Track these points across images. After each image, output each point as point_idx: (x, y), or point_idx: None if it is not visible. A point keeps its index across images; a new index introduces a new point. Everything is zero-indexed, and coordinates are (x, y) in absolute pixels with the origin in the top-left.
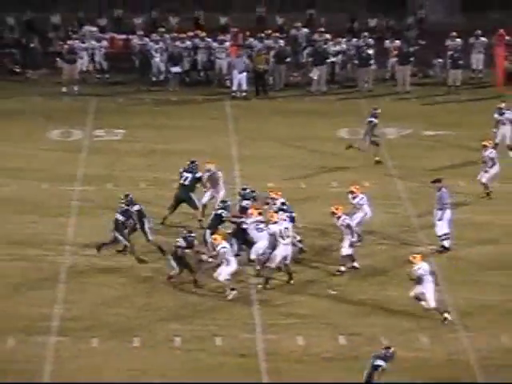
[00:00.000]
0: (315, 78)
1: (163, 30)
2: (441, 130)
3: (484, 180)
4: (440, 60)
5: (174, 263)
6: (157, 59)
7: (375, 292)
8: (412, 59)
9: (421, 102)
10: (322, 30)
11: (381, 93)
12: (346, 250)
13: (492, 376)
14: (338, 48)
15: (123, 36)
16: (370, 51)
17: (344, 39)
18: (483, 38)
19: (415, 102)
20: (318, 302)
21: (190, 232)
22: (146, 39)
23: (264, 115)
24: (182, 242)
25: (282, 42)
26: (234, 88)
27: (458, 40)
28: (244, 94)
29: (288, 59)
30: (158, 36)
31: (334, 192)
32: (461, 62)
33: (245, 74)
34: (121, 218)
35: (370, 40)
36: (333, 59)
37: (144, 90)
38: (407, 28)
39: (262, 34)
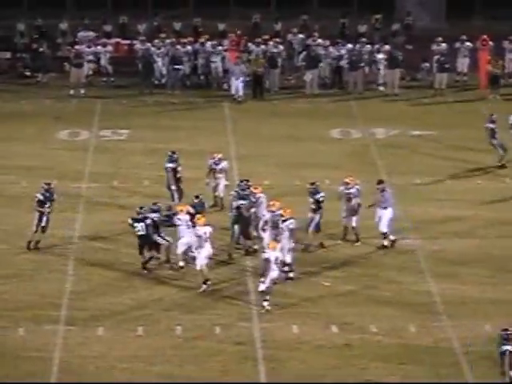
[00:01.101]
0: (308, 80)
1: (164, 35)
2: (428, 130)
3: None
4: (427, 64)
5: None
6: (159, 63)
7: (365, 283)
8: (400, 63)
9: (409, 103)
10: (316, 35)
11: (370, 95)
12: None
13: (474, 363)
14: (339, 53)
15: (127, 41)
16: (380, 55)
17: (339, 44)
18: (468, 43)
19: (403, 104)
20: (312, 292)
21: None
22: (149, 44)
23: (261, 116)
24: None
25: (281, 48)
26: (233, 92)
27: (444, 45)
28: (240, 99)
29: (279, 63)
30: (160, 41)
31: (325, 189)
32: (447, 65)
33: (241, 79)
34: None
35: (368, 46)
36: (340, 63)
37: (147, 93)
38: (394, 34)
39: (260, 40)
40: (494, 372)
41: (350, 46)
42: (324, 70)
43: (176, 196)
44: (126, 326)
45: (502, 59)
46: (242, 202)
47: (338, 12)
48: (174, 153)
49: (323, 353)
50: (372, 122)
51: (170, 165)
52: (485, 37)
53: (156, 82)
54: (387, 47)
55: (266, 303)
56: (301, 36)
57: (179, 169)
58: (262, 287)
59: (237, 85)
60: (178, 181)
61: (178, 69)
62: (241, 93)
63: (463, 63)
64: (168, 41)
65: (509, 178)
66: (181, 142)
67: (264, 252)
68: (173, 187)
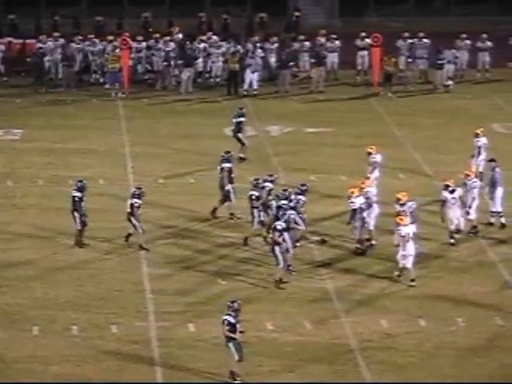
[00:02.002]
0: (185, 78)
1: (58, 34)
2: (322, 127)
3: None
4: (313, 60)
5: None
6: (51, 61)
7: (263, 279)
8: (291, 62)
9: (302, 101)
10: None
11: (263, 92)
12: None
13: (370, 357)
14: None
15: (20, 40)
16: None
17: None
18: (368, 40)
19: (297, 100)
20: (208, 290)
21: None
22: (41, 43)
23: (155, 115)
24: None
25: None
26: (246, 87)
27: (337, 42)
28: (255, 92)
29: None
30: (53, 39)
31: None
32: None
33: (256, 73)
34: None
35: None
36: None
37: (41, 92)
38: (284, 30)
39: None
40: (390, 367)
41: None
42: (217, 69)
43: (233, 196)
44: (22, 326)
45: (396, 57)
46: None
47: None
48: (228, 153)
49: (220, 350)
50: (266, 120)
51: (228, 165)
52: (377, 34)
53: (49, 81)
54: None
55: (413, 283)
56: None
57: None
58: (408, 264)
59: (251, 78)
60: (231, 181)
61: (71, 65)
62: (255, 85)
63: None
64: (62, 40)
65: (402, 174)
66: (76, 141)
67: (399, 230)
68: (227, 187)
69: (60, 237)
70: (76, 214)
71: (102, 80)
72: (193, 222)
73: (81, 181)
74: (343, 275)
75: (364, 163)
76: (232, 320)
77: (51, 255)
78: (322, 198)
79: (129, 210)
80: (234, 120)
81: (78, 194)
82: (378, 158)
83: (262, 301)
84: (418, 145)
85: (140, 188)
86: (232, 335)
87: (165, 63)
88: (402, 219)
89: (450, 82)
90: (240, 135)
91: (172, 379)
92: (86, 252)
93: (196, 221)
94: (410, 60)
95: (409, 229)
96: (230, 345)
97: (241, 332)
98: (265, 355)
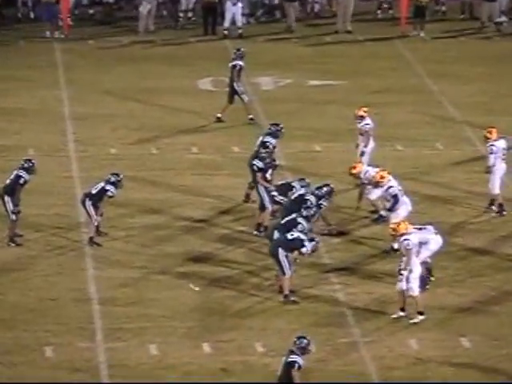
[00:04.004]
0: (144, 13)
1: None
2: (329, 80)
3: None
4: None
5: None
6: None
7: (251, 285)
8: None
9: (306, 43)
10: None
11: (253, 32)
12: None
13: None
14: None
15: None
16: None
17: None
18: None
19: (298, 44)
20: (177, 300)
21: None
22: None
23: (106, 63)
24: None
25: None
26: (226, 25)
27: None
28: (240, 31)
29: None
30: None
31: (192, 159)
32: None
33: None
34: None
35: None
36: None
37: None
38: None
39: None
40: None
41: None
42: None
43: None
44: None
45: None
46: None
47: None
48: (277, 125)
49: (193, 381)
50: (256, 69)
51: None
52: None
53: None
54: None
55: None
56: None
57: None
58: None
59: (233, 11)
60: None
61: None
62: (240, 22)
63: None
64: None
65: (440, 143)
66: None
67: None
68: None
69: None
70: (8, 198)
71: (32, 15)
72: (155, 207)
73: (30, 160)
74: (358, 280)
75: (385, 128)
76: (302, 362)
77: None
78: (328, 175)
79: (94, 193)
80: (231, 64)
81: (26, 177)
82: (371, 124)
83: (250, 314)
84: (460, 103)
85: (118, 175)
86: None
87: None
88: None
89: (504, 19)
90: (237, 86)
91: None
92: (8, 248)
93: (158, 206)
94: None
95: None
96: None
97: None
98: None
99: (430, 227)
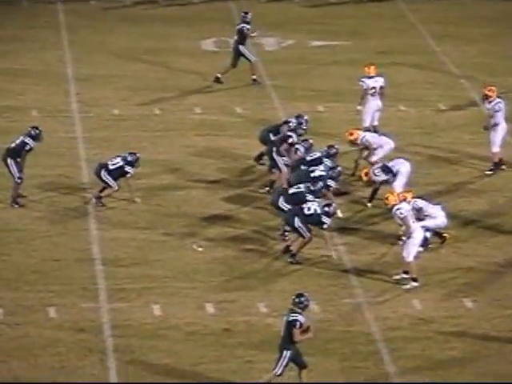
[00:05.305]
0: None
1: None
2: (333, 40)
3: None
4: None
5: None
6: None
7: (255, 245)
8: None
9: (309, 3)
10: None
11: None
12: None
13: (399, 351)
14: None
15: None
16: None
17: None
18: None
19: (301, 5)
20: (181, 260)
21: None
22: None
23: (109, 24)
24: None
25: None
26: None
27: None
28: None
29: None
30: None
31: (196, 120)
32: None
33: None
34: None
35: None
36: None
37: None
38: None
39: None
40: (423, 364)
41: None
42: None
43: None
44: None
45: None
46: None
47: None
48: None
49: (196, 341)
50: (258, 30)
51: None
52: None
53: None
54: None
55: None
56: None
57: None
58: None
59: None
60: None
61: None
62: None
63: None
64: None
65: (443, 104)
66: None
67: None
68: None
69: None
70: (12, 161)
71: None
72: (159, 167)
73: (37, 128)
74: (362, 242)
75: (388, 88)
76: (303, 320)
77: None
78: (331, 135)
79: (111, 169)
80: (237, 27)
81: (32, 144)
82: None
83: (253, 275)
84: (463, 63)
85: (135, 154)
86: (301, 338)
87: None
88: None
89: None
90: (242, 48)
91: (129, 379)
92: (11, 209)
93: (162, 167)
94: None
95: None
96: (288, 354)
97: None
98: (256, 347)
99: (438, 206)
